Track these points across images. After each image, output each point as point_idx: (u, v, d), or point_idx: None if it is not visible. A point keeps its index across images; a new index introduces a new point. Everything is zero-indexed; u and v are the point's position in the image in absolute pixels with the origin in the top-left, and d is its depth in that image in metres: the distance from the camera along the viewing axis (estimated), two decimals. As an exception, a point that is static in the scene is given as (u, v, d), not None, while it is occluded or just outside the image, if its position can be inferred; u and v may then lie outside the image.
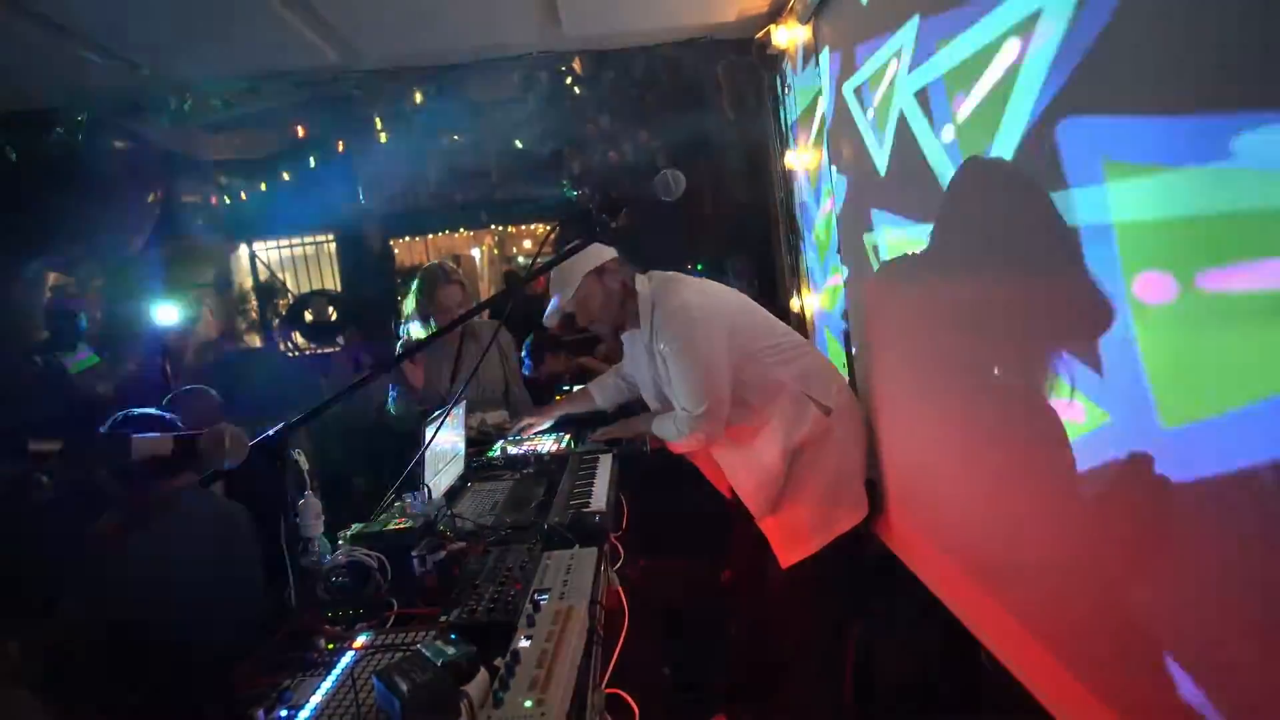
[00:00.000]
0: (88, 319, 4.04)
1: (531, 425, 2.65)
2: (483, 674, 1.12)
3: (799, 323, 3.46)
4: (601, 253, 2.23)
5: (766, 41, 3.12)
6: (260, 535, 1.97)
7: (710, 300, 2.20)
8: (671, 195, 1.46)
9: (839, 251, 2.64)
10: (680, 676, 2.51)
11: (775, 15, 3.02)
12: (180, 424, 1.77)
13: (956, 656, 2.00)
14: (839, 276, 2.68)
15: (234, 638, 1.69)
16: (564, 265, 2.00)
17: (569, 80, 4.14)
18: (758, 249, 3.97)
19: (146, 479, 1.69)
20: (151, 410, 1.84)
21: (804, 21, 2.73)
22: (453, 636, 1.20)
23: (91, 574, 1.63)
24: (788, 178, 3.42)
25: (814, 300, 3.32)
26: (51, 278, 4.33)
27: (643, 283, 2.24)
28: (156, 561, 1.65)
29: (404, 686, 1.00)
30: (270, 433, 1.28)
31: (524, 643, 1.24)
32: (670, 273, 2.29)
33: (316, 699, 1.15)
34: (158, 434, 1.08)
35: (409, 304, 2.92)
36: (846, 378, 2.53)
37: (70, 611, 1.60)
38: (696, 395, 2.11)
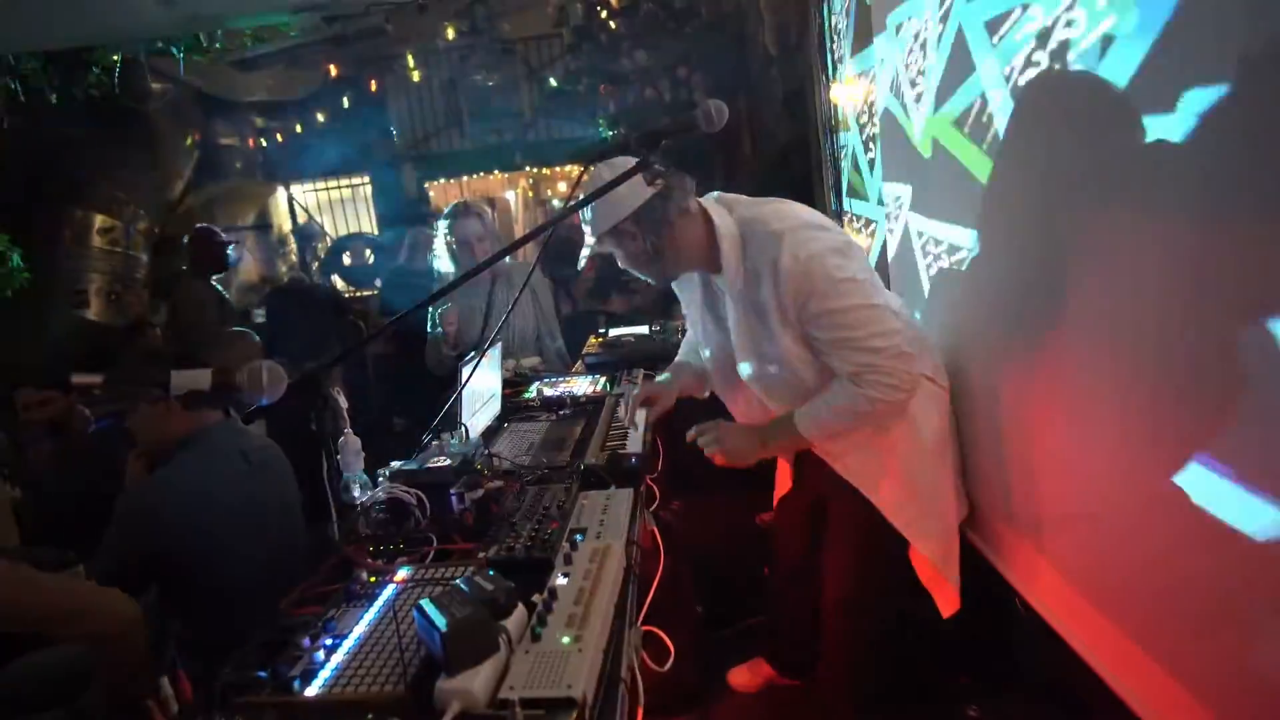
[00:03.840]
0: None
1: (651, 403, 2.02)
2: (520, 609, 1.13)
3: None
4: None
5: (813, -34, 2.95)
6: (300, 472, 2.01)
7: (836, 232, 1.67)
8: (714, 126, 1.39)
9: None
10: (712, 615, 2.54)
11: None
12: None
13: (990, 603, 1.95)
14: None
15: (280, 571, 1.74)
16: (607, 196, 1.56)
17: (604, 14, 3.99)
18: (799, 190, 3.83)
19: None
20: None
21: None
22: (490, 572, 1.21)
23: (129, 506, 1.68)
24: (833, 113, 3.27)
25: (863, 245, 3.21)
26: (99, 221, 4.41)
27: (720, 214, 1.69)
28: (191, 496, 1.69)
29: (444, 619, 1.01)
30: (308, 369, 1.29)
31: (561, 580, 1.25)
32: (740, 196, 1.77)
33: (360, 629, 1.17)
34: (196, 369, 1.08)
35: (438, 243, 3.06)
36: None
37: (111, 542, 1.66)
38: (879, 333, 1.58)
